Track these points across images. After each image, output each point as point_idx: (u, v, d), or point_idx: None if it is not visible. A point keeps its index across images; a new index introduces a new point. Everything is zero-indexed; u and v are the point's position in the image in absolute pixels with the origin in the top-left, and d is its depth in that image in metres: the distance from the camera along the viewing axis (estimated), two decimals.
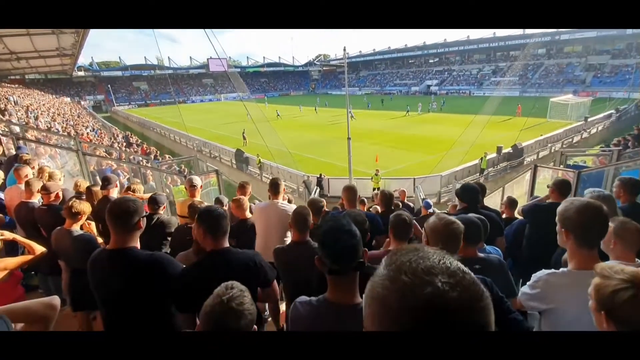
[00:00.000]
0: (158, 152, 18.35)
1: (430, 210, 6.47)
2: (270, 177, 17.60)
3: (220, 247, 1.89)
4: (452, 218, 1.61)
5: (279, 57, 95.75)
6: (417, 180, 14.13)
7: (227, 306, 1.19)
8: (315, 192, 13.96)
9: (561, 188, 3.04)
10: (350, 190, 3.13)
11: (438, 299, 0.46)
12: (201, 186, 3.67)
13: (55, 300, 1.37)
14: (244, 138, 24.81)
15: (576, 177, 5.53)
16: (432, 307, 0.46)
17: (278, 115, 37.71)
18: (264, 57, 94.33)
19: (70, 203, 2.75)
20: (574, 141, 21.00)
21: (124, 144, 19.40)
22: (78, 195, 3.63)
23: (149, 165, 10.26)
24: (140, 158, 13.36)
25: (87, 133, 19.94)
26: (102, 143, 16.18)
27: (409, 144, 23.11)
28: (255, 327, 1.26)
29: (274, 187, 3.44)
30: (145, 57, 79.80)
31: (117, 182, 3.68)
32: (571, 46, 53.78)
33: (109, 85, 67.45)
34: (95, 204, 3.33)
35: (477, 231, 1.90)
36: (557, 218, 1.51)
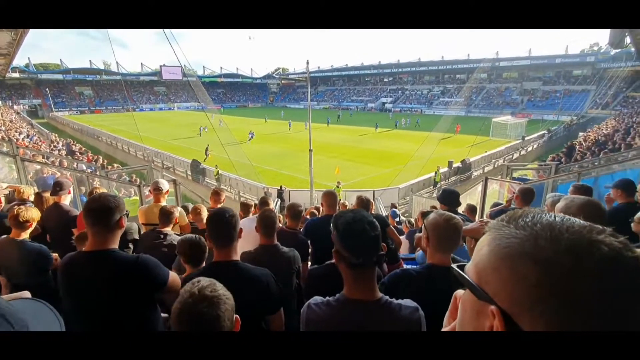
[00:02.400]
0: (105, 161, 17.03)
1: (397, 220, 6.64)
2: (229, 188, 16.99)
3: (228, 259, 1.72)
4: (451, 214, 1.63)
5: (237, 68, 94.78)
6: (376, 192, 14.51)
7: (200, 296, 1.04)
8: (276, 204, 13.76)
9: (524, 195, 3.30)
10: (331, 195, 3.11)
11: (620, 259, 0.41)
12: (167, 191, 3.41)
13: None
14: (207, 154, 22.89)
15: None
16: (614, 267, 0.41)
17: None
18: (221, 67, 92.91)
19: (16, 211, 2.42)
20: (513, 157, 22.99)
21: (65, 152, 17.75)
22: (21, 202, 3.21)
23: (96, 174, 9.46)
24: (85, 167, 12.29)
25: (22, 139, 18.01)
26: (40, 150, 14.65)
27: (366, 157, 23.77)
28: (237, 316, 1.13)
29: (264, 204, 3.45)
30: (90, 61, 74.64)
31: (71, 189, 3.30)
32: (509, 72, 59.54)
33: (46, 89, 61.94)
34: (45, 212, 2.97)
35: None
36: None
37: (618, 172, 6.74)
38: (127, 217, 1.71)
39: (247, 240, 2.93)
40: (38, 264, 2.36)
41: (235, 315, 1.13)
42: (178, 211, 2.94)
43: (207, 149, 23.23)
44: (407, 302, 1.30)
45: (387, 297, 1.30)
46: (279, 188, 14.97)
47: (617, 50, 41.06)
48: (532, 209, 0.51)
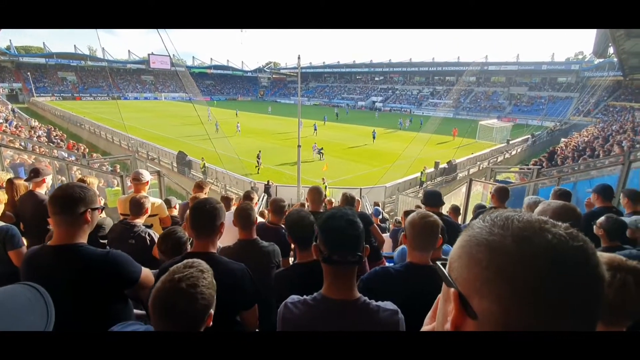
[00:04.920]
0: (86, 149, 16.58)
1: (380, 217, 6.69)
2: (216, 182, 16.84)
3: (204, 251, 1.67)
4: (428, 212, 1.65)
5: (227, 60, 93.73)
6: (363, 190, 14.57)
7: (177, 286, 1.06)
8: (262, 199, 13.68)
9: (500, 194, 3.40)
10: (316, 191, 3.10)
11: (562, 247, 0.43)
12: (147, 182, 3.32)
13: None
14: (258, 162, 18.59)
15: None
16: (554, 252, 0.43)
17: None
18: (211, 59, 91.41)
19: None
20: (498, 160, 23.43)
21: (45, 139, 17.19)
22: None
23: (77, 162, 9.20)
24: (66, 154, 11.93)
25: (0, 123, 17.36)
26: (18, 135, 14.15)
27: (356, 155, 23.83)
28: (211, 312, 1.14)
29: (247, 198, 3.42)
30: (75, 46, 72.30)
31: (49, 178, 3.16)
32: (496, 77, 60.55)
33: (28, 73, 59.80)
34: (17, 200, 2.85)
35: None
36: None
37: (596, 178, 6.94)
38: (103, 211, 1.64)
39: (227, 235, 2.89)
40: (6, 241, 2.26)
41: (210, 311, 1.13)
42: (149, 202, 2.85)
43: (258, 157, 18.82)
44: (387, 304, 1.30)
45: (366, 297, 1.29)
46: (266, 183, 14.88)
47: (601, 60, 42.29)
48: (505, 209, 0.54)
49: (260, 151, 19.07)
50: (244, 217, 2.31)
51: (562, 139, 25.01)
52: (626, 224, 2.37)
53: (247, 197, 3.46)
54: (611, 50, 28.87)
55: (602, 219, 2.37)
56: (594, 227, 2.36)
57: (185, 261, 1.17)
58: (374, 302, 1.28)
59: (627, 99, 41.08)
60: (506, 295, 0.44)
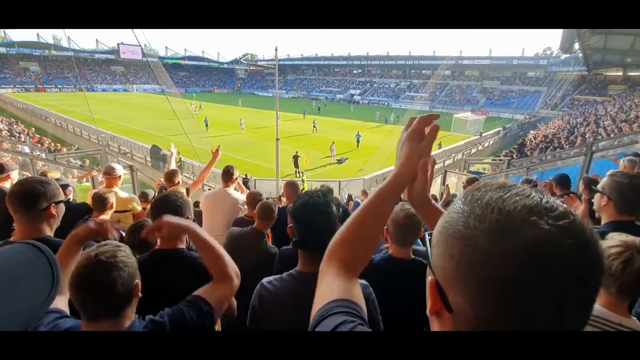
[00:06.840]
0: (52, 143, 15.80)
1: None
2: (192, 176, 16.46)
3: (170, 247, 1.63)
4: (413, 211, 1.65)
5: (203, 51, 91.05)
6: (342, 182, 14.67)
7: (94, 259, 1.05)
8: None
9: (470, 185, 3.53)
10: (291, 185, 3.12)
11: (543, 244, 0.37)
12: (120, 177, 3.22)
13: None
14: (297, 165, 17.24)
15: None
16: (535, 253, 0.37)
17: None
18: (185, 49, 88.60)
19: None
20: (471, 152, 24.17)
21: (7, 132, 16.23)
22: None
23: (43, 157, 8.77)
24: (28, 149, 11.33)
25: None
26: None
27: (337, 149, 23.85)
28: (137, 282, 1.13)
29: (226, 175, 3.42)
30: (38, 34, 68.09)
31: (14, 174, 2.99)
32: (470, 71, 62.09)
33: None
34: None
35: None
36: None
37: (561, 168, 7.31)
38: (68, 204, 1.58)
39: (224, 210, 2.93)
40: None
41: (136, 281, 1.12)
42: (114, 197, 2.76)
43: (297, 157, 17.12)
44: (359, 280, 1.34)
45: None
46: (244, 177, 14.70)
47: (567, 55, 44.14)
48: (511, 182, 0.47)
49: (297, 151, 17.59)
50: (265, 212, 2.38)
51: (531, 131, 26.08)
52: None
53: (227, 172, 3.41)
54: (577, 46, 30.19)
55: None
56: None
57: (99, 243, 1.15)
58: None
59: (591, 92, 43.19)
60: (476, 296, 0.40)
